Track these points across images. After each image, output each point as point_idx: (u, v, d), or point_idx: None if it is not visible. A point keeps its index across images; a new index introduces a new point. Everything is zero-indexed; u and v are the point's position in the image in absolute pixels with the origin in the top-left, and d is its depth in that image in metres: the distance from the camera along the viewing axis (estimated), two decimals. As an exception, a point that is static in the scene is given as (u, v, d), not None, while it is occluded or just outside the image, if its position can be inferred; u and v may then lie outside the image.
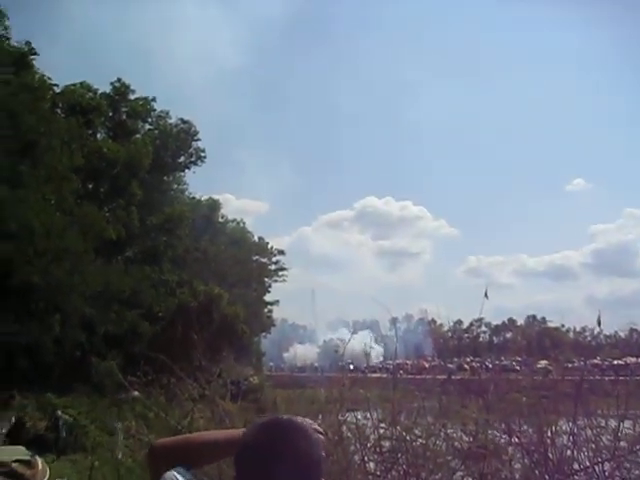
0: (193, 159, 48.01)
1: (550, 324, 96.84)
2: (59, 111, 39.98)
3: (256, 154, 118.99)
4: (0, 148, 29.60)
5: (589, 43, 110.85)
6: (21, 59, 33.73)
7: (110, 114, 43.83)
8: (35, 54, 34.48)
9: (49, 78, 36.86)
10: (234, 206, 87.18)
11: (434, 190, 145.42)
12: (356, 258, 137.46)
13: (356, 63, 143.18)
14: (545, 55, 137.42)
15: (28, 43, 34.16)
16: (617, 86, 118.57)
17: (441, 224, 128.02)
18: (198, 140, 47.71)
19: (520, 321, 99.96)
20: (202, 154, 48.00)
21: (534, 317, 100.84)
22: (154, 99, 45.36)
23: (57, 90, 39.68)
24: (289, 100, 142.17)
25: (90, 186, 41.67)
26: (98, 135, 43.74)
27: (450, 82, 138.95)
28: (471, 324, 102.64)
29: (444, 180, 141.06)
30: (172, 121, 47.00)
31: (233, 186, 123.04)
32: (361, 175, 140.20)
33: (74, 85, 41.71)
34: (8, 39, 33.49)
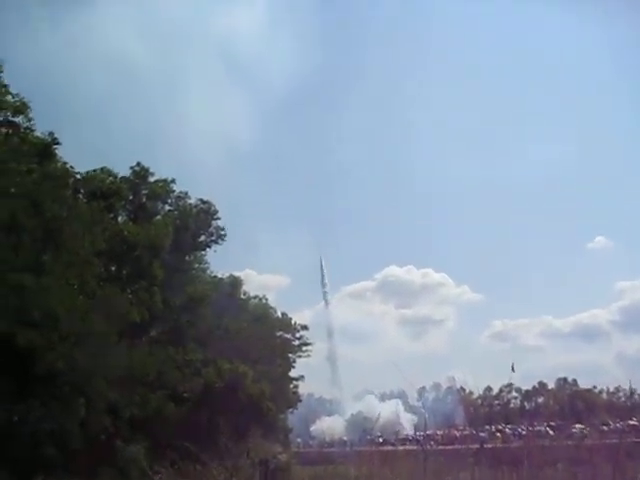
0: (213, 238, 48.63)
1: (582, 386, 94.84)
2: (81, 196, 40.83)
3: (275, 228, 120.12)
4: (24, 237, 30.16)
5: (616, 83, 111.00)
6: (44, 149, 34.70)
7: (130, 197, 44.70)
8: (58, 144, 35.44)
9: (71, 167, 37.88)
10: (256, 282, 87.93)
11: (455, 256, 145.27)
12: (380, 328, 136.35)
13: (368, 131, 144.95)
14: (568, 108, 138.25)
15: (51, 134, 35.11)
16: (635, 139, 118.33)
17: (464, 290, 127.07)
18: (218, 219, 48.50)
19: (551, 384, 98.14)
20: (222, 232, 48.63)
21: (565, 380, 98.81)
22: (173, 181, 46.44)
23: (79, 176, 40.61)
24: (304, 173, 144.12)
25: (112, 269, 42.07)
26: (119, 218, 44.46)
27: (466, 144, 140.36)
28: (501, 390, 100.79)
29: (464, 245, 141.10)
30: (192, 201, 47.94)
31: (254, 262, 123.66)
32: (381, 245, 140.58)
33: (95, 171, 42.74)
34: (32, 131, 34.52)
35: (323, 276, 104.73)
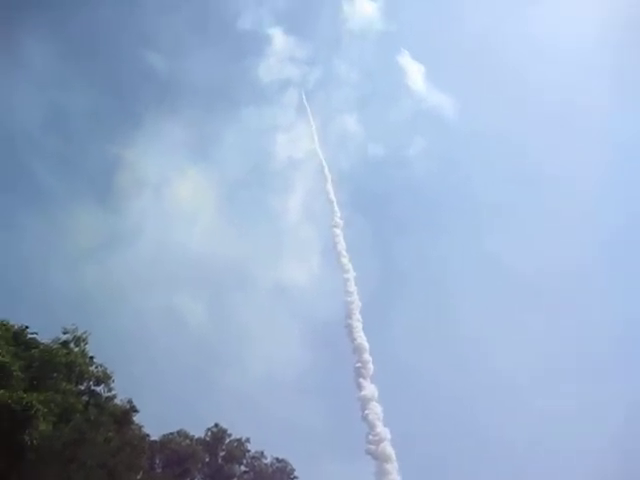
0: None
1: None
2: (157, 461, 40.65)
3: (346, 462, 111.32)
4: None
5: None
6: (123, 417, 35.41)
7: (207, 460, 44.31)
8: (136, 411, 36.21)
9: (148, 435, 38.26)
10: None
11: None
12: None
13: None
14: None
15: (130, 401, 36.12)
16: None
17: None
18: (295, 478, 47.32)
19: None
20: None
21: None
22: (248, 440, 46.11)
23: (155, 439, 40.80)
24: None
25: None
26: (196, 482, 43.73)
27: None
28: None
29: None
30: (267, 461, 47.16)
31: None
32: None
33: (172, 434, 42.99)
34: (112, 399, 35.48)
35: None
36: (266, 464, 46.84)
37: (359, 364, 72.13)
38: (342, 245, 75.47)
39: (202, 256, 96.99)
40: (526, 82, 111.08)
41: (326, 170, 78.68)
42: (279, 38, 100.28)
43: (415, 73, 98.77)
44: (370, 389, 70.65)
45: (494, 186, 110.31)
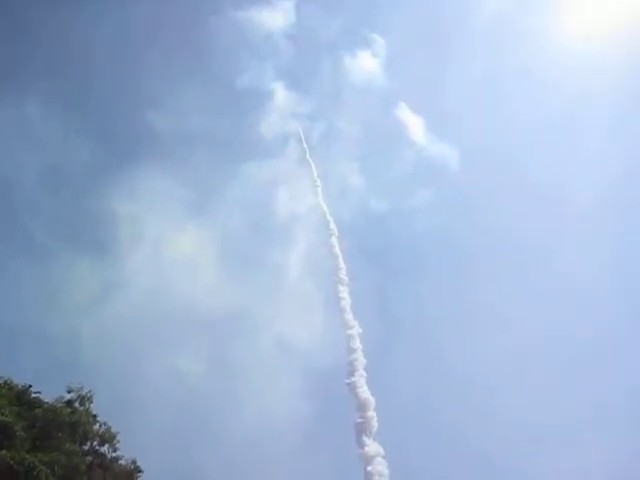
0: None
1: None
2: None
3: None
4: None
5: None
6: (127, 478, 34.65)
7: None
8: (140, 471, 35.43)
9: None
10: None
11: None
12: None
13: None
14: None
15: (134, 462, 35.34)
16: None
17: None
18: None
19: None
20: None
21: None
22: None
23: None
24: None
25: None
26: None
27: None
28: None
29: None
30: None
31: None
32: None
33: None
34: (118, 460, 34.75)
35: None
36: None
37: (361, 420, 71.20)
38: (347, 302, 74.91)
39: (202, 309, 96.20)
40: (526, 131, 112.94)
41: (331, 224, 78.90)
42: (280, 93, 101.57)
43: (415, 125, 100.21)
44: (373, 446, 69.56)
45: (495, 236, 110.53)
